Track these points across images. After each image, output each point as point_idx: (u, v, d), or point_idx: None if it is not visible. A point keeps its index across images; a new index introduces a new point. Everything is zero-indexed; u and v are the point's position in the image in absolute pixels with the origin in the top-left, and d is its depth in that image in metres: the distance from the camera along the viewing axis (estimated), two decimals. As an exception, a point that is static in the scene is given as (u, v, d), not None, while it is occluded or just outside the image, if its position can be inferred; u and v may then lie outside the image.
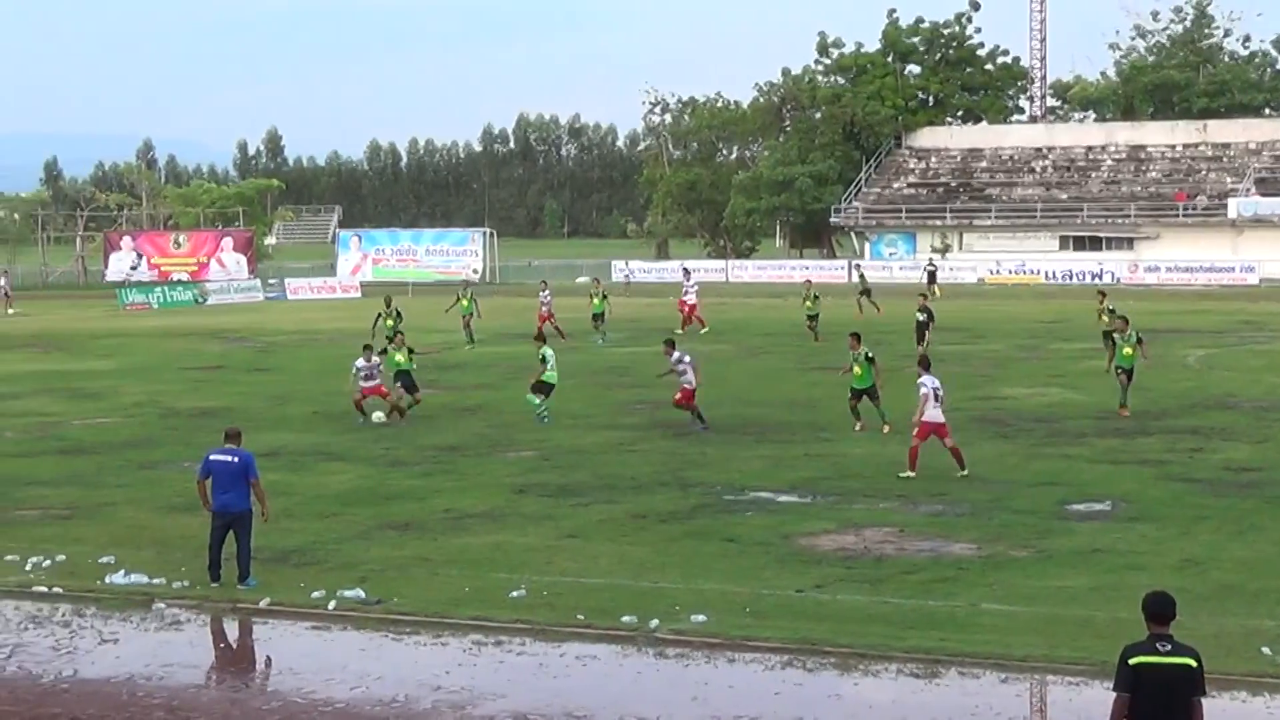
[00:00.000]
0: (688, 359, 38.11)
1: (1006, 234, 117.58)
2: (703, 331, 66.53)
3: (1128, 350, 39.56)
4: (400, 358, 41.01)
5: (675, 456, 33.87)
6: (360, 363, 39.93)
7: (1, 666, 19.55)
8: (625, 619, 20.60)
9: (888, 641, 19.47)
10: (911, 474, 30.80)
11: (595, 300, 65.71)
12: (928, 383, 31.11)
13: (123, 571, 23.78)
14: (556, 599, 21.83)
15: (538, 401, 38.98)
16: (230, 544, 22.99)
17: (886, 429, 36.32)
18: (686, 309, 69.07)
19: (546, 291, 67.35)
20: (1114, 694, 12.53)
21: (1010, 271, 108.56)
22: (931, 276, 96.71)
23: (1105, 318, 52.00)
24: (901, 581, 22.59)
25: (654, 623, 20.42)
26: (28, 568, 24.36)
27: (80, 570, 24.17)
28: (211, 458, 23.18)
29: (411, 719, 17.25)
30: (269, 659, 20.41)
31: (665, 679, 18.70)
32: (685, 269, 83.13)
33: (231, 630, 21.60)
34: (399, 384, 40.34)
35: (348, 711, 17.57)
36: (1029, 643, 19.24)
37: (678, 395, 38.03)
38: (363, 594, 22.21)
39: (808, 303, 63.31)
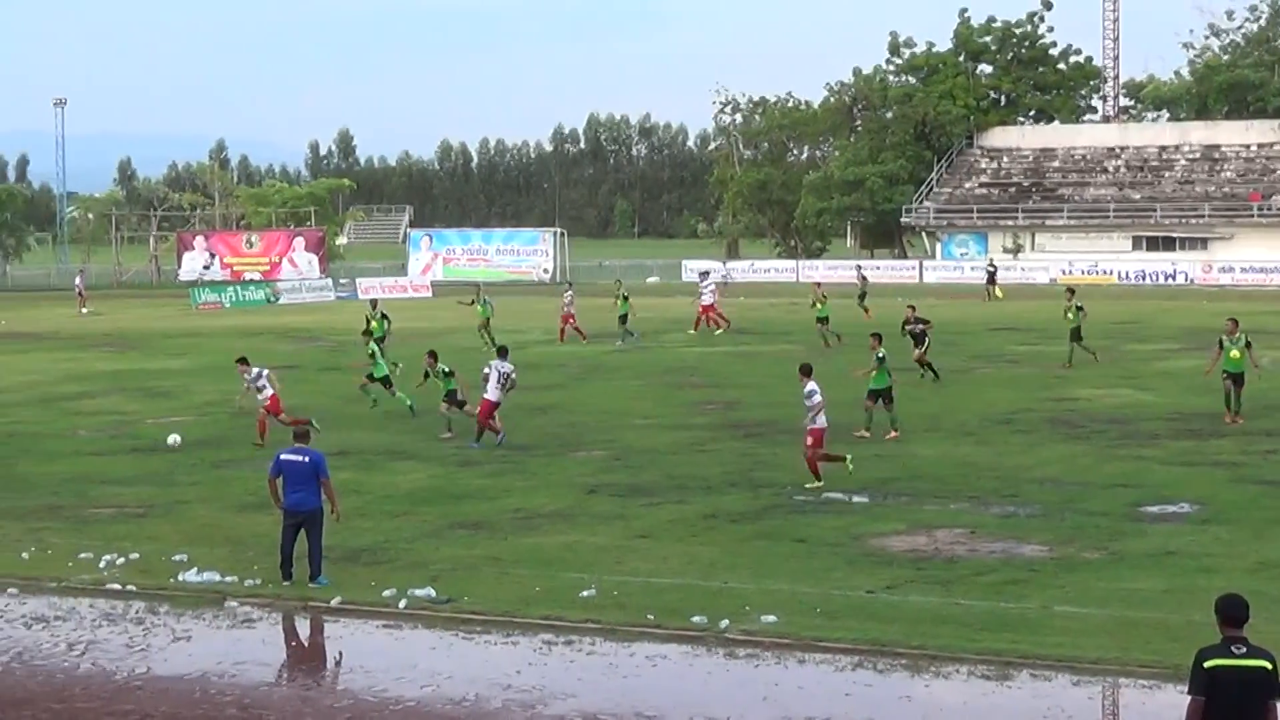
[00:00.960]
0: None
1: (1079, 234, 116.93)
2: (717, 332, 66.79)
3: (1235, 354, 38.03)
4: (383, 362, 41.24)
5: (746, 457, 33.82)
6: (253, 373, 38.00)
7: (76, 663, 19.68)
8: (695, 619, 20.58)
9: (959, 643, 19.40)
10: (819, 483, 30.23)
11: (619, 302, 64.29)
12: (818, 390, 30.81)
13: (195, 569, 23.91)
14: (627, 599, 21.83)
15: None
16: (302, 543, 23.07)
17: (893, 435, 36.14)
18: (700, 310, 68.90)
19: (570, 293, 67.25)
20: (1189, 697, 12.40)
21: (1083, 272, 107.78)
22: (991, 277, 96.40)
23: (1071, 315, 52.45)
24: (973, 583, 22.50)
25: (724, 623, 20.39)
26: (102, 565, 24.52)
27: (154, 568, 24.31)
28: (282, 457, 23.29)
29: (482, 718, 17.27)
30: (340, 657, 20.48)
31: (735, 679, 18.67)
32: (702, 271, 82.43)
33: (303, 628, 21.68)
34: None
35: (418, 710, 17.60)
36: (1101, 645, 19.13)
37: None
38: (433, 593, 22.26)
39: (817, 305, 62.86)
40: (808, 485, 30.08)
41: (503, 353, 37.86)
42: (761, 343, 61.77)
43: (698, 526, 26.70)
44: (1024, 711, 17.32)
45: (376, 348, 44.21)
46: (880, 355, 36.93)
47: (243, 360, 39.37)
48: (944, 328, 66.86)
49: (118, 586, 23.37)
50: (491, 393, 36.30)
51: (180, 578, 23.63)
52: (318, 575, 23.01)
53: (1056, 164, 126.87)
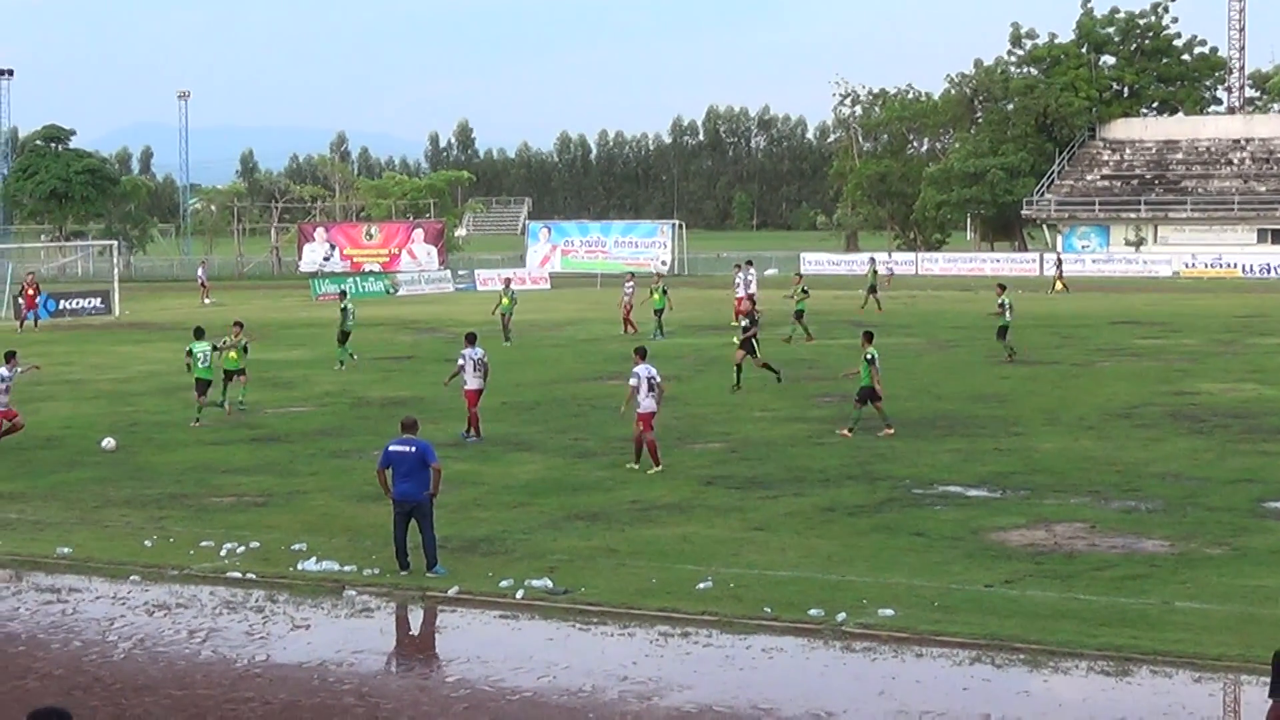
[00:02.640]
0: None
1: (1203, 227, 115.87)
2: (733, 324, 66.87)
3: None
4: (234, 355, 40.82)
5: (863, 450, 33.69)
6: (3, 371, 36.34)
7: (197, 650, 19.85)
8: (812, 612, 20.51)
9: (1078, 638, 19.23)
10: (635, 465, 31.32)
11: (656, 295, 63.15)
12: (640, 373, 31.40)
13: (314, 558, 24.07)
14: (743, 591, 21.79)
15: None
16: (416, 533, 23.19)
17: (888, 431, 35.87)
18: (738, 301, 69.04)
19: (631, 284, 67.24)
20: (1269, 701, 11.79)
21: (1206, 265, 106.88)
22: (1059, 268, 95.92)
23: (998, 311, 52.18)
24: (1092, 578, 22.30)
25: (841, 616, 20.31)
26: (222, 553, 24.74)
27: (273, 557, 24.50)
28: (391, 448, 23.41)
29: (598, 709, 17.27)
30: (457, 647, 20.53)
31: (852, 673, 18.60)
32: (739, 263, 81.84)
33: (420, 618, 21.76)
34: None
35: (534, 700, 17.63)
36: (1223, 642, 18.91)
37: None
38: (550, 584, 22.29)
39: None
40: (649, 470, 31.10)
41: (471, 339, 37.65)
42: (879, 335, 61.37)
43: (815, 519, 26.62)
44: (1144, 708, 17.15)
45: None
46: (868, 356, 36.17)
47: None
48: (1064, 321, 66.52)
49: (238, 575, 23.56)
50: (471, 381, 36.31)
51: (299, 566, 23.79)
52: (434, 565, 23.12)
53: (1180, 156, 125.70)
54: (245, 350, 40.89)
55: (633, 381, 31.76)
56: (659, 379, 32.05)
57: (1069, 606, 20.74)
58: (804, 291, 61.31)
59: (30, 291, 76.67)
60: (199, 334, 40.56)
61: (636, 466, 31.54)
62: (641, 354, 32.66)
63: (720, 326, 64.93)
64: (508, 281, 66.72)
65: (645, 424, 31.56)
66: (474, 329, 41.06)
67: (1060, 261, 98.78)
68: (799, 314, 60.21)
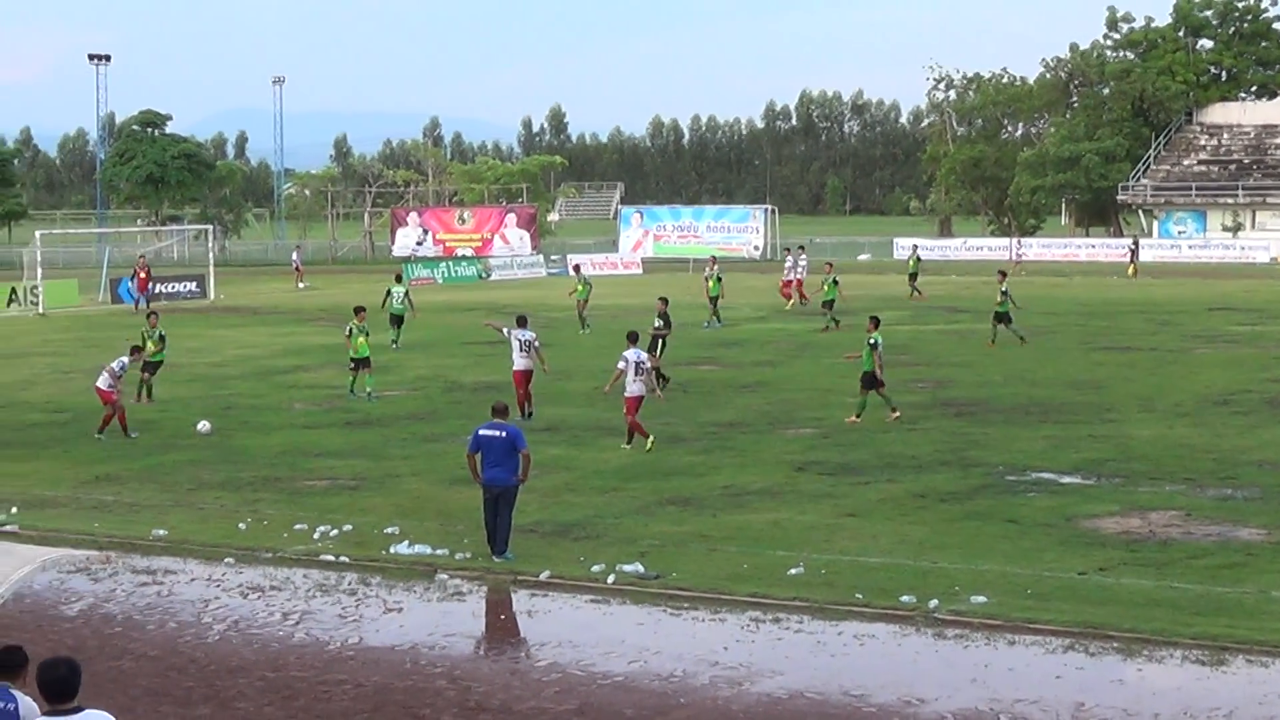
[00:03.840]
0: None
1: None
2: (787, 306, 68.99)
3: None
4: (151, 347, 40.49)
5: (957, 436, 33.55)
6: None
7: (290, 633, 19.98)
8: (904, 599, 20.46)
9: (1172, 627, 19.09)
10: (628, 446, 32.00)
11: (711, 283, 62.74)
12: (629, 356, 32.25)
13: (407, 542, 24.18)
14: (835, 577, 21.75)
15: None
16: None
17: (894, 415, 35.76)
18: (783, 285, 71.42)
19: (714, 268, 67.25)
20: None
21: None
22: (1133, 253, 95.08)
23: (1000, 299, 52.04)
24: (1187, 566, 22.14)
25: (933, 603, 20.25)
26: (316, 537, 24.88)
27: (366, 540, 24.63)
28: (481, 432, 23.46)
29: (689, 693, 17.28)
30: (548, 631, 20.56)
31: (944, 660, 18.53)
32: (790, 247, 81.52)
33: (512, 602, 21.81)
34: None
35: (626, 685, 17.66)
36: (1321, 632, 18.75)
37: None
38: (642, 569, 22.32)
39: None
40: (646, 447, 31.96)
41: (521, 321, 38.14)
42: (975, 321, 61.19)
43: (907, 506, 26.53)
44: (1239, 698, 17.00)
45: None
46: (871, 341, 35.93)
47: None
48: (1160, 307, 66.03)
49: (331, 558, 23.69)
50: (519, 361, 36.77)
51: (392, 550, 23.90)
52: (504, 550, 23.16)
53: (1279, 141, 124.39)
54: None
55: (620, 365, 32.67)
56: (648, 364, 33.14)
57: (1163, 595, 20.60)
58: (834, 281, 60.65)
59: (142, 275, 77.54)
60: (358, 312, 41.49)
61: (629, 447, 32.13)
62: (632, 339, 33.81)
63: (812, 311, 64.77)
64: (578, 268, 66.67)
65: (630, 407, 32.42)
66: (529, 312, 41.25)
67: (1136, 246, 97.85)
68: (828, 303, 59.50)
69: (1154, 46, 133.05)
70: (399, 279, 57.66)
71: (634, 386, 32.35)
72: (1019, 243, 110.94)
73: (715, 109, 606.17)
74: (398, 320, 54.33)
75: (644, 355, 32.83)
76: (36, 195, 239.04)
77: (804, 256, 73.80)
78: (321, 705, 17.12)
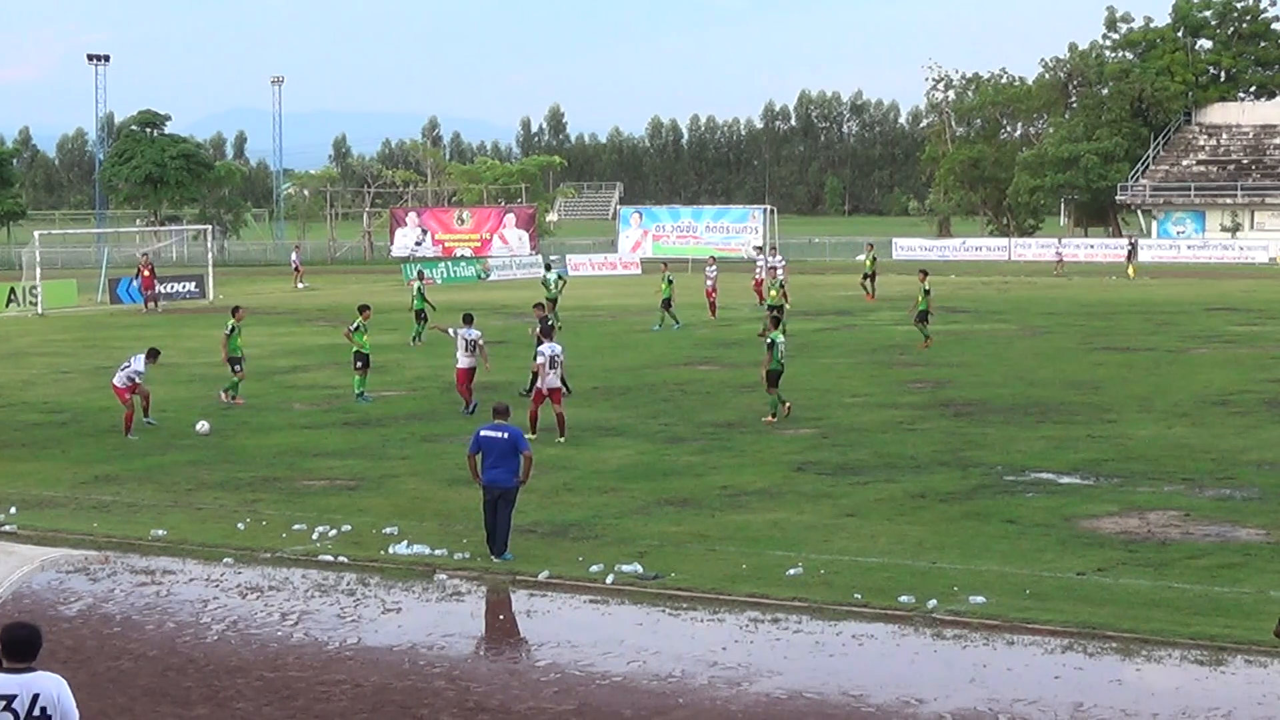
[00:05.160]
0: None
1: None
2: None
3: None
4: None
5: (955, 436, 33.56)
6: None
7: (289, 633, 19.99)
8: (903, 599, 20.47)
9: (1171, 627, 19.11)
10: (532, 436, 31.72)
11: (664, 285, 61.50)
12: (545, 351, 33.65)
13: (405, 542, 24.19)
14: (834, 577, 21.76)
15: None
16: None
17: (779, 414, 36.04)
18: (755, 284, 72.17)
19: (714, 268, 68.40)
20: None
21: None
22: (1131, 253, 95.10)
23: (921, 298, 51.83)
24: (1186, 566, 22.15)
25: (932, 603, 20.27)
26: (314, 537, 24.89)
27: (365, 540, 24.64)
28: (482, 433, 23.47)
29: (688, 694, 17.28)
30: (547, 631, 20.56)
31: (942, 660, 18.53)
32: (760, 247, 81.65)
33: (511, 602, 21.82)
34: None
35: (624, 685, 17.66)
36: (1319, 632, 18.73)
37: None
38: (640, 569, 22.33)
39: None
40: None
41: (467, 320, 38.56)
42: (973, 321, 61.28)
43: (906, 506, 26.54)
44: (1238, 698, 17.01)
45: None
46: (770, 339, 36.31)
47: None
48: (1159, 308, 66.06)
49: (330, 558, 23.70)
50: (462, 360, 37.35)
51: (390, 550, 23.92)
52: (504, 551, 23.18)
53: (1278, 141, 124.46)
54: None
55: (539, 360, 34.03)
56: (562, 357, 34.43)
57: (1162, 595, 20.61)
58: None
59: (146, 273, 77.54)
60: (362, 310, 41.56)
61: (533, 436, 32.14)
62: (547, 334, 35.22)
63: (810, 311, 64.83)
64: (548, 266, 66.52)
65: (554, 398, 33.74)
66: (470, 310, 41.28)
67: (1134, 246, 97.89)
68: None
69: (1153, 47, 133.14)
70: (421, 276, 61.30)
71: (550, 379, 33.77)
72: (1060, 241, 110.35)
73: (714, 109, 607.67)
74: (419, 316, 56.56)
75: (559, 350, 34.23)
76: (35, 195, 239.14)
77: (778, 258, 73.55)
78: (320, 705, 17.12)
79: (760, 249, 77.86)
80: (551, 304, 59.35)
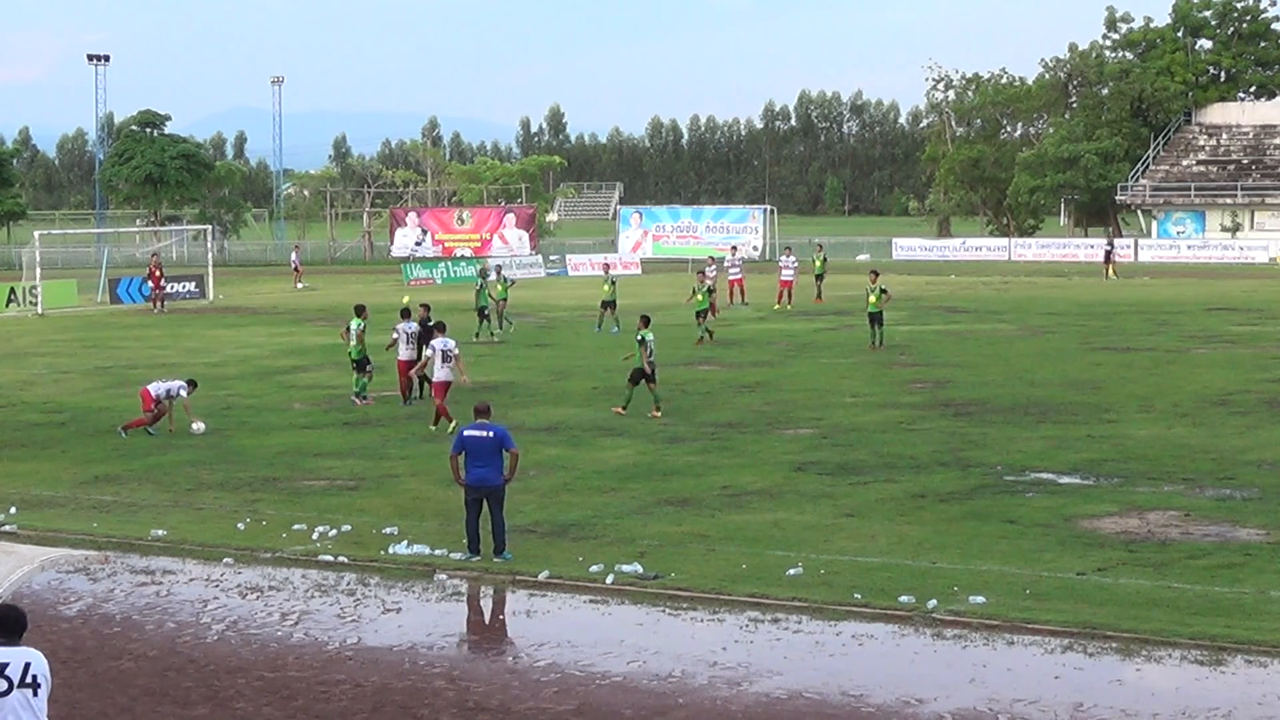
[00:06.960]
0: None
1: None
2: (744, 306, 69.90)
3: None
4: None
5: (955, 436, 33.55)
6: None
7: (289, 633, 19.99)
8: (903, 599, 20.46)
9: (1171, 627, 19.10)
10: (434, 428, 34.58)
11: (605, 287, 60.87)
12: (436, 345, 35.38)
13: (405, 542, 24.19)
14: (834, 577, 21.76)
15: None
16: (487, 519, 23.29)
17: (655, 414, 36.55)
18: (731, 283, 72.72)
19: (713, 267, 68.57)
20: None
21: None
22: (1108, 256, 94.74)
23: (873, 299, 51.96)
24: (1186, 566, 22.14)
25: (932, 603, 20.26)
26: (314, 537, 24.89)
27: (365, 540, 24.63)
28: (466, 433, 23.49)
29: (688, 694, 17.28)
30: (547, 631, 20.56)
31: (942, 660, 18.53)
32: (731, 246, 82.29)
33: (511, 602, 21.81)
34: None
35: (624, 685, 17.66)
36: (1319, 632, 18.75)
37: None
38: (640, 569, 22.32)
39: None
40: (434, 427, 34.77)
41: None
42: (974, 321, 61.28)
43: (906, 506, 26.54)
44: (1238, 698, 17.00)
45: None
46: (640, 337, 37.13)
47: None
48: (1159, 308, 66.05)
49: (330, 558, 23.70)
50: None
51: (390, 550, 23.91)
52: (502, 550, 23.18)
53: (1278, 141, 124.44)
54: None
55: (427, 353, 35.99)
56: (456, 351, 35.48)
57: (1162, 595, 20.60)
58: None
59: (156, 273, 77.45)
60: (359, 311, 41.22)
61: (435, 429, 34.34)
62: (440, 328, 36.41)
63: (809, 311, 64.85)
64: (499, 269, 65.70)
65: (438, 391, 35.10)
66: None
67: (1111, 247, 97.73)
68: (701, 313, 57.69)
69: (1153, 47, 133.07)
70: (483, 274, 62.45)
71: (441, 371, 35.18)
72: (1110, 243, 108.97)
73: (714, 109, 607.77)
74: (483, 313, 58.12)
75: (451, 344, 35.41)
76: (35, 195, 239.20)
77: (790, 257, 73.48)
78: (320, 705, 17.12)
79: (735, 248, 78.25)
80: (502, 303, 59.96)
